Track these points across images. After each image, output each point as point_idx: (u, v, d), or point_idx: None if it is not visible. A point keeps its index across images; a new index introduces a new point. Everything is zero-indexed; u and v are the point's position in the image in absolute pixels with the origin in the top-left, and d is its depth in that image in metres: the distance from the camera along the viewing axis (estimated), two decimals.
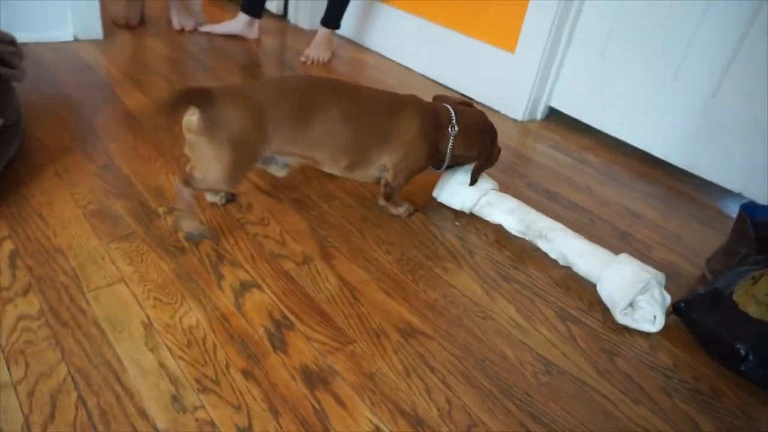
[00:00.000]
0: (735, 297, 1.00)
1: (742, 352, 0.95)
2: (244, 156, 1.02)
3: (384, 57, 2.43)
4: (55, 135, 1.37)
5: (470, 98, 2.09)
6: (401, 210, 1.27)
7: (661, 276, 1.06)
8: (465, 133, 1.21)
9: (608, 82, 1.81)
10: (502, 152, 1.37)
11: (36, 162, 1.25)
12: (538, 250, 1.22)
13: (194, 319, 0.91)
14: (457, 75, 2.16)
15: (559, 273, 1.17)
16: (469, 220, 1.31)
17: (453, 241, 1.22)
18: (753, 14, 1.46)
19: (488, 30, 2.02)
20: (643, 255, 1.27)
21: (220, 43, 2.27)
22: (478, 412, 0.83)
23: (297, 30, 2.65)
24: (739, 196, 1.59)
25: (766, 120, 1.50)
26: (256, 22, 2.34)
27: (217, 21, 2.40)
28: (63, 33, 1.97)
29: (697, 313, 1.04)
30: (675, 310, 1.07)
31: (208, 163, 1.01)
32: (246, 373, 0.83)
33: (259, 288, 1.00)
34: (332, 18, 2.26)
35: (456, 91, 2.14)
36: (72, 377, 0.78)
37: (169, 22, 2.36)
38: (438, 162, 1.25)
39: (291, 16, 2.74)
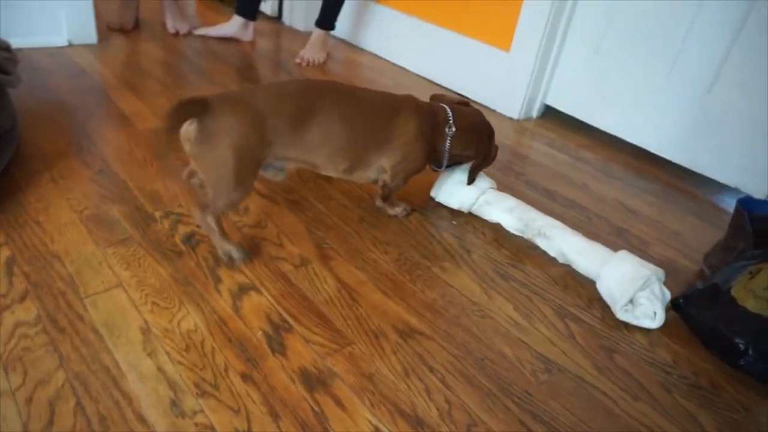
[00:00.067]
0: (733, 292, 1.00)
1: (741, 346, 0.95)
2: (247, 162, 1.00)
3: (379, 57, 2.43)
4: (51, 140, 1.37)
5: (466, 97, 2.09)
6: (398, 210, 1.27)
7: (660, 272, 1.06)
8: (462, 133, 1.21)
9: (604, 79, 1.81)
10: (499, 151, 1.37)
11: (32, 167, 1.25)
12: (536, 248, 1.22)
13: (192, 323, 0.91)
14: (453, 74, 2.16)
15: (558, 271, 1.17)
16: (467, 219, 1.31)
17: (450, 241, 1.22)
18: (747, 11, 1.47)
19: (483, 29, 2.02)
20: (640, 251, 1.27)
21: (214, 45, 2.26)
22: (477, 411, 0.83)
23: (292, 31, 2.65)
24: (735, 191, 1.59)
25: (762, 115, 1.50)
26: (251, 24, 2.34)
27: (212, 24, 2.40)
28: (57, 38, 1.97)
29: (695, 308, 1.04)
30: (673, 306, 1.07)
31: (215, 170, 0.99)
32: (245, 377, 0.83)
33: (257, 291, 1.00)
34: (327, 19, 2.26)
35: (452, 91, 2.14)
36: (70, 383, 0.78)
37: (163, 25, 2.36)
38: (436, 162, 1.25)
39: (286, 17, 2.74)
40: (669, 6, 1.60)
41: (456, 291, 1.07)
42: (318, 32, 2.26)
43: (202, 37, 2.34)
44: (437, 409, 0.82)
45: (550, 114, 2.01)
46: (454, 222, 1.29)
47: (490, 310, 1.04)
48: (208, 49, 2.22)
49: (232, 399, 0.79)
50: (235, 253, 1.04)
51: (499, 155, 1.45)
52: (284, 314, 0.96)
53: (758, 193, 1.51)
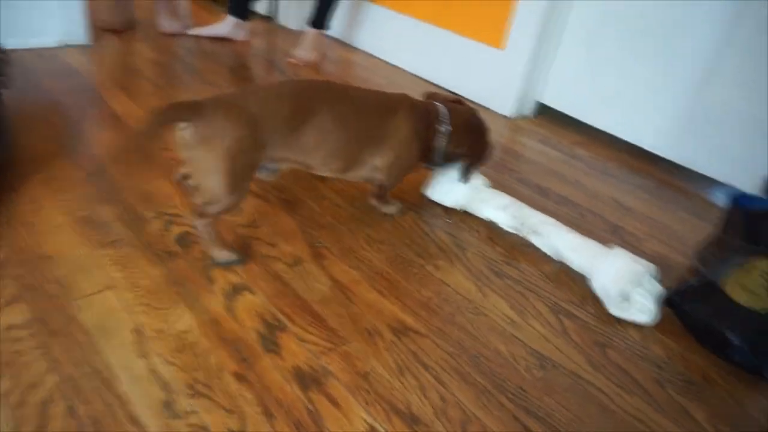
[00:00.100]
0: (726, 287, 1.01)
1: (734, 341, 0.96)
2: (242, 165, 0.98)
3: (372, 56, 2.42)
4: (43, 141, 1.36)
5: (460, 96, 2.09)
6: (392, 208, 1.27)
7: (653, 268, 1.06)
8: (457, 131, 1.21)
9: (598, 77, 1.81)
10: (493, 149, 1.37)
11: (23, 169, 1.24)
12: (529, 245, 1.22)
13: (186, 324, 0.91)
14: (446, 72, 2.16)
15: (551, 267, 1.17)
16: (461, 217, 1.31)
17: (444, 239, 1.22)
18: (740, 9, 1.47)
19: (477, 27, 2.02)
20: (634, 247, 1.27)
21: (208, 46, 2.26)
22: (472, 408, 0.83)
23: (285, 31, 2.64)
24: (728, 187, 1.60)
25: (755, 112, 1.51)
26: (244, 23, 2.33)
27: (205, 24, 2.39)
28: (49, 39, 1.96)
29: (688, 304, 1.04)
30: (667, 302, 1.08)
31: (209, 176, 0.97)
32: (239, 377, 0.83)
33: (251, 290, 1.00)
34: (320, 19, 2.26)
35: (445, 89, 2.14)
36: (62, 386, 0.78)
37: (156, 26, 2.35)
38: (430, 160, 1.25)
39: (279, 17, 2.73)
40: (663, 4, 1.61)
41: (450, 289, 1.07)
42: (312, 32, 2.26)
43: (195, 37, 2.33)
44: (432, 407, 0.82)
45: (543, 112, 2.01)
46: (448, 220, 1.29)
47: (485, 307, 1.04)
48: (201, 49, 2.22)
49: (226, 399, 0.79)
50: (229, 259, 1.04)
51: (494, 153, 1.45)
52: (278, 314, 0.96)
53: (751, 189, 1.52)
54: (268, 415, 0.78)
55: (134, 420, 0.75)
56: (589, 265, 1.11)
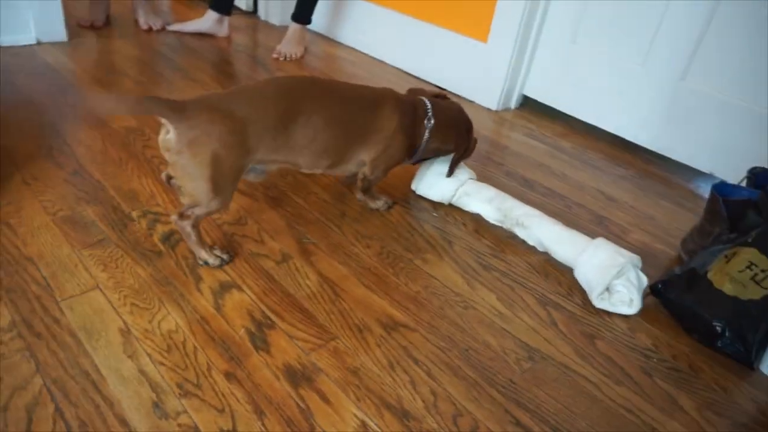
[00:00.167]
0: (710, 276, 1.02)
1: (719, 328, 0.97)
2: (228, 170, 0.96)
3: (356, 50, 2.41)
4: (21, 142, 1.34)
5: (444, 89, 2.09)
6: (379, 203, 1.27)
7: (636, 259, 1.08)
8: (441, 127, 1.21)
9: (580, 68, 1.82)
10: (478, 142, 1.38)
11: (2, 170, 1.22)
12: (516, 237, 1.22)
13: (173, 323, 0.90)
14: (430, 66, 2.15)
15: (538, 259, 1.18)
16: (448, 210, 1.31)
17: (432, 233, 1.23)
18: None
19: (460, 20, 2.02)
20: (619, 238, 1.29)
21: (189, 41, 2.23)
22: (463, 401, 0.83)
23: (268, 26, 2.62)
24: (710, 176, 1.62)
25: (735, 101, 1.53)
26: (226, 19, 2.30)
27: (186, 19, 2.36)
28: (25, 36, 1.92)
29: (674, 293, 1.06)
30: (652, 291, 1.09)
31: (194, 181, 0.95)
32: (228, 375, 0.82)
33: (239, 288, 0.99)
34: (303, 13, 2.24)
35: (429, 83, 2.14)
36: (48, 389, 0.77)
37: (135, 22, 2.31)
38: (415, 155, 1.25)
39: (261, 12, 2.71)
40: None
41: (439, 283, 1.07)
42: (294, 26, 2.24)
43: (176, 33, 2.30)
44: (423, 401, 0.83)
45: (528, 104, 2.02)
46: (435, 214, 1.30)
47: (473, 300, 1.04)
48: (183, 45, 2.19)
49: (216, 398, 0.79)
50: (212, 260, 1.03)
51: (479, 146, 1.45)
52: (267, 311, 0.95)
53: (732, 178, 1.54)
54: (259, 413, 0.77)
55: (123, 421, 0.74)
56: (573, 256, 1.11)
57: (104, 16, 2.23)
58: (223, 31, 2.32)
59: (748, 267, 0.99)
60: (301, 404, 0.80)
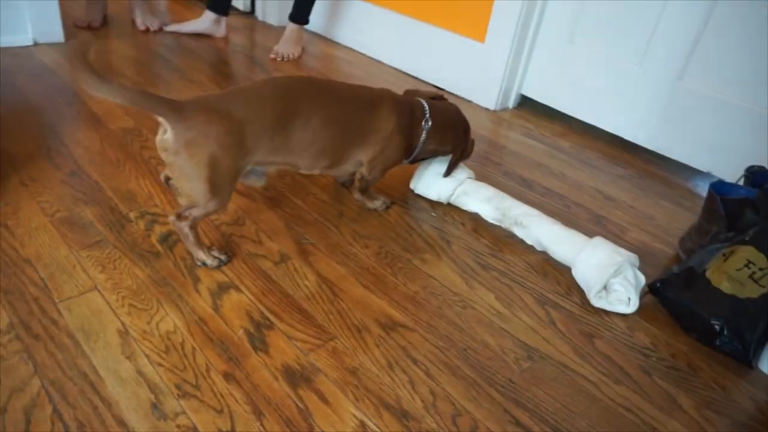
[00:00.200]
0: (708, 274, 1.02)
1: (717, 327, 0.97)
2: (225, 173, 0.96)
3: (354, 50, 2.41)
4: (19, 142, 1.33)
5: (442, 89, 2.09)
6: (377, 203, 1.27)
7: (634, 258, 1.08)
8: (438, 128, 1.21)
9: (577, 68, 1.83)
10: (476, 142, 1.38)
11: None
12: (514, 237, 1.22)
13: (171, 324, 0.90)
14: (428, 66, 2.15)
15: (536, 258, 1.18)
16: (446, 210, 1.31)
17: (430, 232, 1.22)
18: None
19: (457, 20, 2.02)
20: (617, 237, 1.29)
21: (187, 42, 2.23)
22: (462, 401, 0.83)
23: (265, 26, 2.61)
24: (707, 175, 1.62)
25: (732, 100, 1.53)
26: (223, 19, 2.30)
27: (183, 20, 2.36)
28: (22, 37, 1.92)
29: (672, 291, 1.06)
30: (651, 290, 1.09)
31: (191, 182, 0.95)
32: (227, 376, 0.82)
33: (237, 289, 0.99)
34: (300, 13, 2.24)
35: (427, 83, 2.14)
36: (46, 390, 0.76)
37: (132, 22, 2.31)
38: (413, 155, 1.25)
39: (258, 12, 2.70)
40: None
41: (437, 282, 1.07)
42: (292, 27, 2.24)
43: (174, 33, 2.30)
44: (422, 401, 0.82)
45: (526, 104, 2.02)
46: (433, 214, 1.29)
47: (472, 300, 1.04)
48: (181, 45, 2.18)
49: (215, 399, 0.78)
50: (210, 261, 1.03)
51: (477, 146, 1.45)
52: (265, 311, 0.95)
53: (730, 177, 1.54)
54: (258, 413, 0.77)
55: (122, 422, 0.74)
56: (571, 255, 1.11)
57: (101, 16, 2.23)
58: (220, 31, 2.32)
59: (746, 265, 0.99)
60: (300, 404, 0.79)
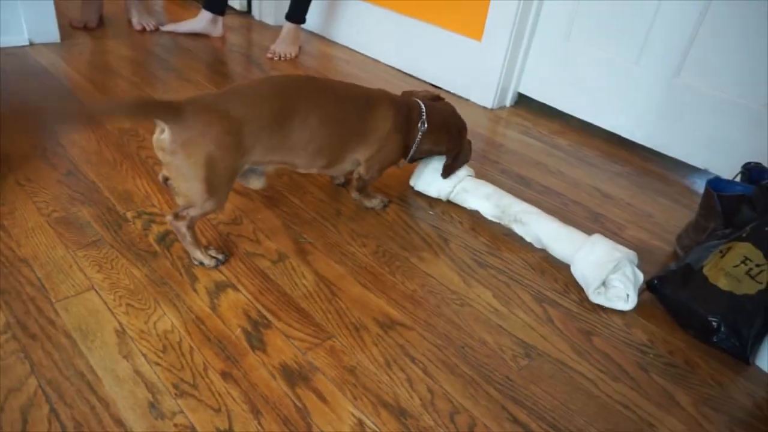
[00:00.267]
0: (705, 271, 1.02)
1: (714, 323, 0.97)
2: (222, 172, 0.96)
3: (351, 50, 2.41)
4: (15, 142, 1.33)
5: (439, 87, 2.09)
6: (375, 202, 1.27)
7: (632, 254, 1.08)
8: (434, 129, 1.21)
9: (575, 66, 1.83)
10: (474, 141, 1.38)
11: None
12: (512, 235, 1.23)
13: (169, 324, 0.90)
14: (425, 65, 2.15)
15: (534, 256, 1.18)
16: (444, 208, 1.31)
17: (428, 231, 1.22)
18: None
19: (454, 19, 2.02)
20: (615, 234, 1.29)
21: (183, 42, 2.22)
22: (460, 399, 0.83)
23: (262, 26, 2.61)
24: (704, 172, 1.62)
25: (728, 97, 1.53)
26: (220, 19, 2.30)
27: (179, 20, 2.35)
28: (17, 37, 1.91)
29: (669, 288, 1.06)
30: (648, 287, 1.09)
31: (188, 182, 0.94)
32: (225, 375, 0.82)
33: (235, 288, 0.99)
34: (297, 12, 2.24)
35: (424, 81, 2.14)
36: (43, 390, 0.76)
37: (129, 22, 2.31)
38: (409, 155, 1.25)
39: (255, 12, 2.70)
40: None
41: (435, 281, 1.07)
42: (289, 26, 2.24)
43: (170, 33, 2.29)
44: (420, 399, 0.82)
45: (523, 102, 2.03)
46: (431, 212, 1.29)
47: (470, 298, 1.04)
48: (177, 45, 2.18)
49: (212, 398, 0.78)
50: (207, 261, 1.02)
51: (475, 144, 1.45)
52: (263, 310, 0.95)
53: (727, 174, 1.54)
54: (256, 412, 0.77)
55: (119, 422, 0.73)
56: (571, 253, 1.11)
57: (97, 16, 2.22)
58: (217, 31, 2.32)
59: (743, 262, 0.99)
60: (298, 403, 0.79)
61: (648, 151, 1.74)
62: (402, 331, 0.94)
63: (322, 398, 0.81)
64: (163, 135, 0.91)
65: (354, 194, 1.26)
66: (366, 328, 0.94)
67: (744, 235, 1.02)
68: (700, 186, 1.58)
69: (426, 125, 1.19)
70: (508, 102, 2.02)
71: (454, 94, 2.05)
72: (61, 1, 2.06)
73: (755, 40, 1.45)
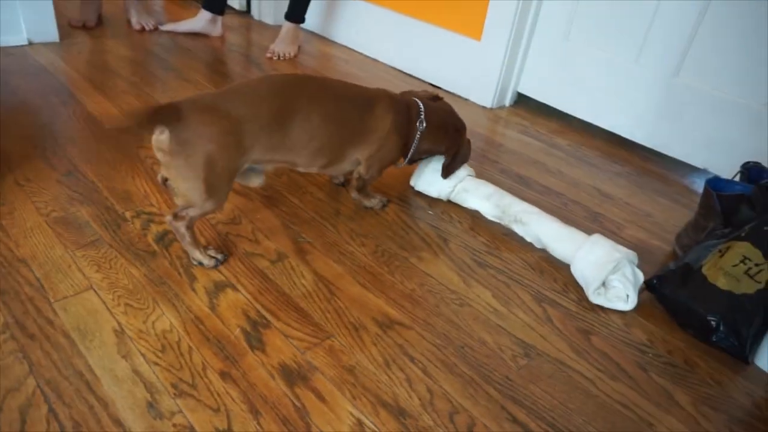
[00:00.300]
0: (704, 270, 1.02)
1: (713, 323, 0.97)
2: (223, 171, 0.96)
3: (350, 49, 2.41)
4: (14, 142, 1.33)
5: (439, 87, 2.09)
6: (374, 202, 1.27)
7: (632, 255, 1.08)
8: (432, 128, 1.21)
9: (574, 65, 1.83)
10: (474, 140, 1.37)
11: None
12: (511, 234, 1.22)
13: (168, 323, 0.90)
14: (425, 65, 2.15)
15: (533, 256, 1.18)
16: (443, 208, 1.31)
17: (427, 230, 1.22)
18: None
19: (454, 18, 2.02)
20: (614, 234, 1.29)
21: (182, 41, 2.22)
22: (459, 399, 0.83)
23: (261, 25, 2.61)
24: (704, 171, 1.62)
25: (728, 97, 1.53)
26: (219, 18, 2.30)
27: (178, 19, 2.35)
28: (16, 37, 1.91)
29: (668, 288, 1.06)
30: (648, 287, 1.09)
31: (187, 182, 0.94)
32: (223, 375, 0.82)
33: (234, 288, 0.99)
34: (296, 12, 2.23)
35: (424, 81, 2.14)
36: (42, 390, 0.76)
37: (128, 22, 2.30)
38: (408, 155, 1.24)
39: (254, 11, 2.70)
40: None
41: (434, 280, 1.07)
42: (288, 25, 2.24)
43: (169, 32, 2.29)
44: (419, 399, 0.82)
45: (522, 101, 2.02)
46: (430, 212, 1.29)
47: (469, 298, 1.04)
48: (176, 45, 2.18)
49: (211, 398, 0.78)
50: (206, 261, 1.02)
51: (474, 144, 1.45)
52: (262, 310, 0.95)
53: (726, 174, 1.54)
54: (255, 412, 0.77)
55: (118, 422, 0.73)
56: (571, 253, 1.11)
57: (96, 16, 2.22)
58: (216, 30, 2.31)
59: (742, 261, 0.99)
60: (297, 403, 0.79)
61: (647, 151, 1.74)
62: (401, 331, 0.94)
63: (321, 398, 0.81)
64: (162, 135, 0.91)
65: (353, 194, 1.26)
66: (365, 327, 0.94)
67: (743, 234, 1.02)
68: (699, 185, 1.58)
69: (424, 124, 1.19)
70: (507, 101, 2.02)
71: (453, 94, 2.05)
72: (60, 1, 2.06)
73: (754, 40, 1.45)
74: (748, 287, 0.98)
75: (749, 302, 0.97)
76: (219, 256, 1.04)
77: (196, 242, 1.02)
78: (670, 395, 0.89)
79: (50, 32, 1.97)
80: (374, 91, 1.17)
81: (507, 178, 1.49)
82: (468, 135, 1.30)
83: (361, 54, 2.37)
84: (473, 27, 1.95)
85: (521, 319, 1.01)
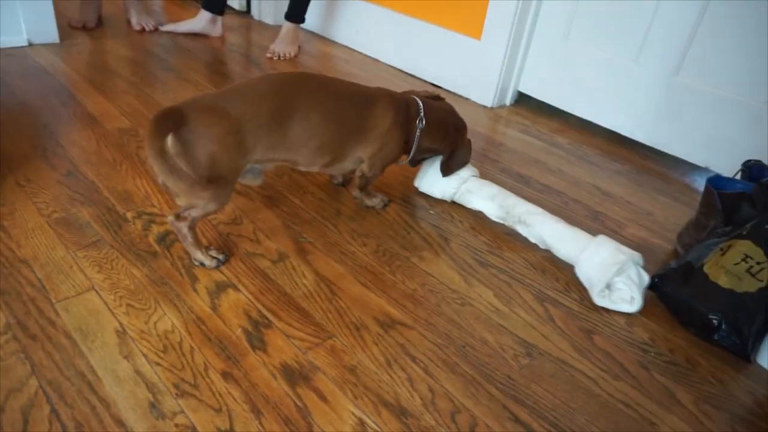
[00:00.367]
0: (706, 269, 1.02)
1: (715, 321, 0.97)
2: (226, 173, 0.96)
3: (351, 49, 2.41)
4: (15, 143, 1.33)
5: (439, 87, 2.09)
6: (375, 201, 1.27)
7: (637, 256, 1.07)
8: (432, 126, 1.21)
9: (574, 65, 1.83)
10: (474, 140, 1.37)
11: None
12: (513, 234, 1.22)
13: (169, 324, 0.90)
14: (425, 64, 2.15)
15: (535, 255, 1.18)
16: (444, 208, 1.31)
17: (428, 230, 1.22)
18: None
19: (454, 18, 2.02)
20: (615, 233, 1.29)
21: (182, 42, 2.22)
22: (461, 398, 0.83)
23: (261, 26, 2.61)
24: (705, 170, 1.62)
25: (728, 95, 1.53)
26: (219, 19, 2.30)
27: (178, 19, 2.35)
28: (16, 38, 1.91)
29: (670, 287, 1.06)
30: (649, 286, 1.09)
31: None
32: (225, 375, 0.82)
33: (235, 288, 0.99)
34: (296, 12, 2.23)
35: (424, 80, 2.14)
36: (44, 390, 0.76)
37: (128, 22, 2.30)
38: (409, 154, 1.25)
39: (254, 11, 2.70)
40: None
41: (436, 280, 1.07)
42: (288, 25, 2.24)
43: (169, 33, 2.29)
44: (421, 398, 0.82)
45: (523, 100, 2.02)
46: (431, 211, 1.29)
47: (471, 297, 1.04)
48: (176, 45, 2.18)
49: (213, 398, 0.78)
50: (208, 262, 1.02)
51: (475, 143, 1.45)
52: (263, 310, 0.95)
53: (727, 172, 1.54)
54: (257, 412, 0.77)
55: (120, 422, 0.73)
56: (575, 254, 1.11)
57: (96, 16, 2.22)
58: (216, 30, 2.31)
59: (743, 259, 0.99)
60: (299, 403, 0.79)
61: (648, 150, 1.74)
62: (402, 331, 0.94)
63: (323, 398, 0.81)
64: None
65: (355, 192, 1.26)
66: (366, 327, 0.94)
67: (744, 232, 1.02)
68: (700, 184, 1.58)
69: (424, 122, 1.19)
70: (507, 101, 2.02)
71: (454, 93, 2.05)
72: (59, 2, 2.06)
73: (754, 39, 1.45)
74: (750, 285, 0.98)
75: (751, 300, 0.97)
76: (220, 257, 1.04)
77: (197, 243, 1.02)
78: (672, 394, 0.89)
79: (50, 33, 1.97)
80: (374, 89, 1.17)
81: (508, 177, 1.49)
82: (469, 134, 1.30)
83: (361, 54, 2.37)
84: (473, 26, 1.95)
85: (523, 319, 1.01)
